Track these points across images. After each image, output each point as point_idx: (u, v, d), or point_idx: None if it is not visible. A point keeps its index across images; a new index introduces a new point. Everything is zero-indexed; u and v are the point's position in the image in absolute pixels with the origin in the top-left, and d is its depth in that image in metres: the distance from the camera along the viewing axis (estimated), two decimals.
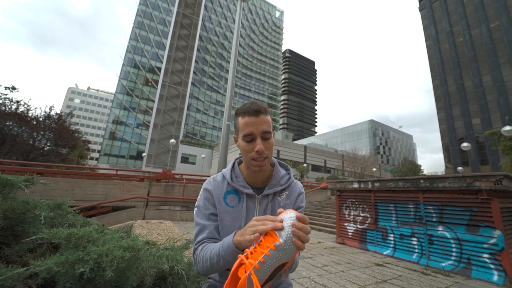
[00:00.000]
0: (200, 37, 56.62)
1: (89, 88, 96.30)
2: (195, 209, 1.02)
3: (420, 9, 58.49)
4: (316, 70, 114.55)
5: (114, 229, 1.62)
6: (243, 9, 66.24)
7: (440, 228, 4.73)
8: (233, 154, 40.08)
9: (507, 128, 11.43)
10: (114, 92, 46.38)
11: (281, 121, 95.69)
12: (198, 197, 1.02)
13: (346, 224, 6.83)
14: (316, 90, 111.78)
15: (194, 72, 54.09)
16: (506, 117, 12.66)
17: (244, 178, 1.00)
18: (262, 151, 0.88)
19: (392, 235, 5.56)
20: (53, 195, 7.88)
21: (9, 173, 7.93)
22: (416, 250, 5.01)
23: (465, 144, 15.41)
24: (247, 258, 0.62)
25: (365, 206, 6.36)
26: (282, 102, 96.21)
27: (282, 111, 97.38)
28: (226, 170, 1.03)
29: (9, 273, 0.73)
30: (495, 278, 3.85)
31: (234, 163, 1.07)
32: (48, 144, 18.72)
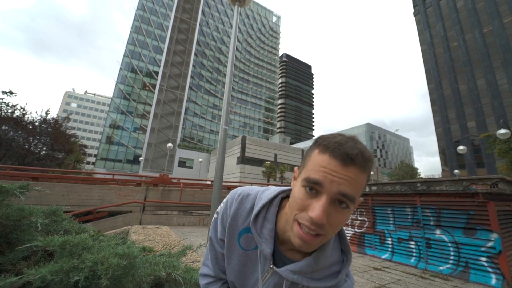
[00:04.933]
0: (198, 41, 56.93)
1: (86, 92, 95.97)
2: (215, 215, 0.80)
3: (415, 14, 59.47)
4: (313, 74, 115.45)
5: (110, 235, 1.60)
6: (240, 14, 66.93)
7: (438, 231, 4.74)
8: (230, 158, 40.01)
9: (502, 131, 11.56)
10: (111, 96, 46.29)
11: (278, 125, 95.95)
12: (221, 204, 0.78)
13: (343, 228, 6.82)
14: (313, 94, 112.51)
15: (191, 76, 54.24)
16: (501, 120, 12.83)
17: (274, 228, 0.67)
18: (321, 223, 0.51)
19: (390, 239, 5.56)
20: (48, 200, 7.78)
21: (4, 178, 7.82)
22: (414, 254, 5.00)
23: (461, 147, 15.54)
24: None
25: (363, 210, 6.36)
26: (279, 106, 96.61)
27: (279, 115, 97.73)
28: (260, 201, 0.69)
29: (1, 282, 0.71)
30: (493, 281, 3.85)
31: (276, 196, 0.70)
32: (44, 148, 18.57)
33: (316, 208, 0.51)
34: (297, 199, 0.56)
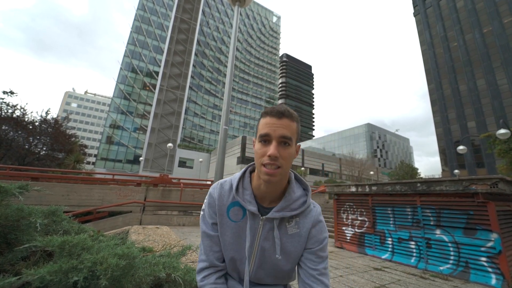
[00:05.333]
0: (198, 41, 56.93)
1: (86, 92, 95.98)
2: (201, 212, 0.95)
3: (415, 15, 59.46)
4: (313, 74, 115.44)
5: (109, 235, 1.60)
6: (241, 14, 66.86)
7: (438, 231, 4.74)
8: (231, 158, 40.00)
9: (502, 131, 11.55)
10: (112, 96, 46.29)
11: None
12: (205, 200, 0.94)
13: (344, 228, 6.81)
14: (313, 94, 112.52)
15: (191, 76, 54.24)
16: (501, 120, 12.82)
17: (252, 191, 0.89)
18: (275, 156, 0.77)
19: (390, 239, 5.55)
20: (48, 201, 7.77)
21: (4, 178, 7.81)
22: (414, 254, 5.00)
23: (461, 147, 15.53)
24: None
25: (363, 210, 6.36)
26: None
27: None
28: (235, 178, 0.92)
29: (0, 282, 0.71)
30: (493, 281, 3.85)
31: (246, 170, 0.95)
32: (44, 148, 18.55)
33: (271, 148, 0.78)
34: (258, 151, 0.81)
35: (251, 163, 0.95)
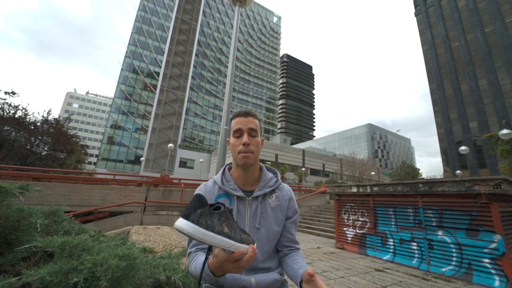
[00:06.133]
0: (199, 42, 57.00)
1: (87, 93, 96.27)
2: None
3: (416, 15, 59.32)
4: (313, 75, 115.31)
5: (110, 236, 1.59)
6: (241, 15, 66.90)
7: (440, 232, 4.71)
8: (231, 158, 39.97)
9: (505, 131, 11.49)
10: (113, 97, 46.40)
11: (279, 125, 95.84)
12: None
13: (345, 228, 6.79)
14: (314, 94, 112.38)
15: (192, 77, 54.29)
16: (503, 120, 12.74)
17: (234, 181, 1.06)
18: (248, 144, 0.98)
19: (391, 240, 5.53)
20: (49, 201, 7.79)
21: (6, 178, 7.81)
22: (416, 255, 4.97)
23: (463, 147, 15.46)
24: None
25: (364, 211, 6.34)
26: (280, 106, 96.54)
27: (280, 115, 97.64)
28: (217, 176, 1.10)
29: (0, 283, 0.71)
30: (497, 283, 3.82)
31: (224, 168, 1.14)
32: (46, 148, 18.60)
33: (244, 138, 0.98)
34: (234, 143, 1.01)
35: (228, 163, 1.17)
